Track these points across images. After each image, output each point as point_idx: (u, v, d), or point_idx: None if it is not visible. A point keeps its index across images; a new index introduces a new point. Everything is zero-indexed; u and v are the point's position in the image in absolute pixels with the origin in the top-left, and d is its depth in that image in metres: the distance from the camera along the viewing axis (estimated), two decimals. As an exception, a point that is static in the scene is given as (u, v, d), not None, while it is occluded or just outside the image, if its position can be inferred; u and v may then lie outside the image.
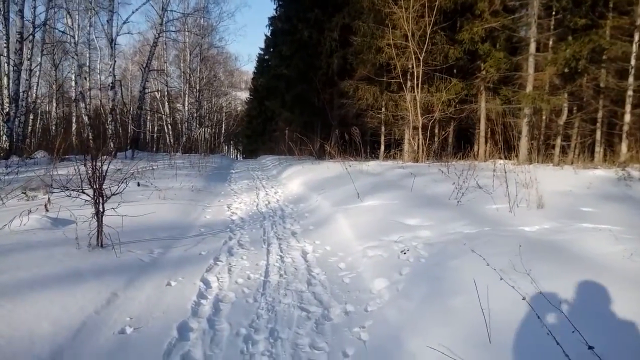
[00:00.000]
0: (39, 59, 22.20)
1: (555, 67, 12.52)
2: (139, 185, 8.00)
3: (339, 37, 17.24)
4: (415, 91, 14.17)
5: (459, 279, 3.45)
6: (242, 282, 4.14)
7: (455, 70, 15.95)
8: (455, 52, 14.49)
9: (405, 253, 4.28)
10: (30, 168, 11.82)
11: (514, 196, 5.88)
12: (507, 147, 14.52)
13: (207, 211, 7.44)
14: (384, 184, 8.33)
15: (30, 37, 19.64)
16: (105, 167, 4.81)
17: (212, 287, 4.00)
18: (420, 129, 14.05)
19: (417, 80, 14.11)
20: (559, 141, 14.48)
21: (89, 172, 4.60)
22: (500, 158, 13.47)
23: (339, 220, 6.20)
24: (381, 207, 6.30)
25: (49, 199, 5.98)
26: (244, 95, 47.83)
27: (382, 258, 4.39)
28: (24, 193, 6.64)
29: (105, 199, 4.68)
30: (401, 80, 14.52)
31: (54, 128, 30.14)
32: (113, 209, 4.75)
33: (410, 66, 14.97)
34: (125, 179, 5.13)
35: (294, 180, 11.45)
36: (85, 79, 27.65)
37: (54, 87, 28.73)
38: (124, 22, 18.61)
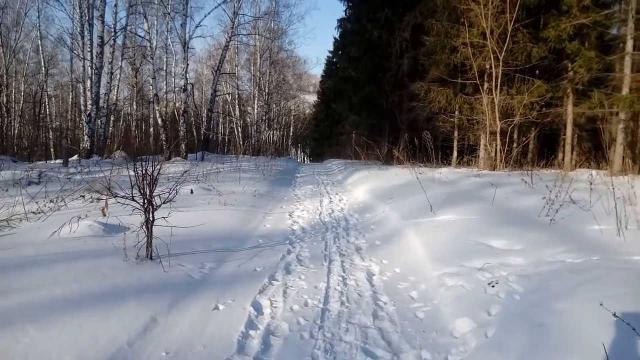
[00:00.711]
0: (120, 63, 23.25)
1: (659, 66, 10.98)
2: (192, 192, 7.67)
3: (410, 37, 16.36)
4: (494, 93, 13.03)
5: (571, 329, 2.66)
6: (297, 309, 3.57)
7: (537, 71, 14.54)
8: (539, 51, 13.15)
9: (493, 286, 3.50)
10: (106, 168, 12.13)
11: (619, 215, 4.88)
12: (595, 156, 13.01)
13: (268, 219, 7.00)
14: (459, 195, 7.48)
15: (112, 41, 20.56)
16: (156, 172, 4.41)
17: (263, 313, 3.48)
18: (498, 134, 12.89)
19: (496, 81, 12.96)
20: (660, 150, 12.74)
21: (139, 177, 4.22)
22: (590, 167, 12.10)
23: (409, 236, 5.49)
24: (458, 223, 5.50)
25: (106, 203, 5.78)
26: (312, 98, 47.87)
27: (464, 290, 3.64)
28: (82, 196, 6.53)
29: (155, 207, 4.30)
30: (477, 82, 13.41)
31: (134, 129, 31.75)
32: (164, 217, 4.37)
33: (487, 66, 13.84)
34: (176, 185, 4.71)
35: (359, 187, 10.82)
36: (163, 81, 28.80)
37: (134, 90, 30.12)
38: (197, 26, 18.91)
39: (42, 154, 21.69)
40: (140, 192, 4.23)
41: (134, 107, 31.13)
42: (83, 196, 6.63)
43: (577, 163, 13.58)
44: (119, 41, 22.74)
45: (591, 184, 6.46)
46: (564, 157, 15.61)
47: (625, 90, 11.21)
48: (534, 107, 13.13)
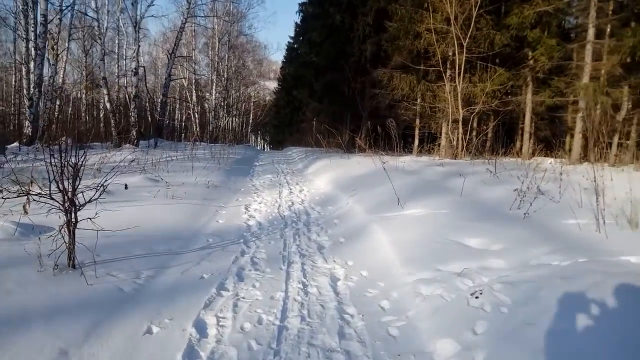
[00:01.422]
0: (66, 44, 21.54)
1: (619, 55, 10.90)
2: (126, 188, 6.71)
3: (373, 22, 15.81)
4: (456, 81, 12.71)
5: (578, 356, 2.19)
6: (249, 328, 2.96)
7: (498, 60, 14.36)
8: (502, 39, 12.91)
9: (477, 297, 3.00)
10: (44, 156, 10.98)
11: (594, 208, 4.55)
12: (551, 144, 12.98)
13: (221, 213, 6.30)
14: (425, 186, 7.04)
15: (57, 20, 18.95)
16: (80, 162, 3.65)
17: (207, 335, 2.85)
18: (460, 122, 12.61)
19: (459, 68, 12.63)
20: (616, 139, 12.81)
21: (56, 169, 3.46)
22: (547, 156, 12.02)
23: (376, 233, 4.96)
24: (429, 218, 5.02)
25: (28, 198, 4.92)
26: (273, 85, 46.68)
27: (443, 301, 3.13)
28: (1, 190, 5.61)
29: (78, 206, 3.55)
30: (441, 69, 13.06)
31: (83, 114, 29.83)
32: (90, 219, 3.62)
33: (450, 53, 13.51)
34: (106, 178, 3.94)
35: (321, 177, 10.25)
36: (115, 65, 27.11)
37: (83, 73, 28.22)
38: (149, 5, 17.58)
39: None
40: (59, 189, 3.46)
41: (84, 91, 29.22)
42: (1, 190, 5.70)
43: (535, 151, 13.55)
44: (66, 21, 21.09)
45: (561, 174, 6.15)
46: (522, 145, 15.62)
47: (585, 79, 11.11)
48: (496, 95, 12.93)
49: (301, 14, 21.88)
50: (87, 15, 17.41)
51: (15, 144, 16.26)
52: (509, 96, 13.75)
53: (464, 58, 12.56)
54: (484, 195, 6.20)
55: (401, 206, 5.64)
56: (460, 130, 12.59)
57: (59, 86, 21.80)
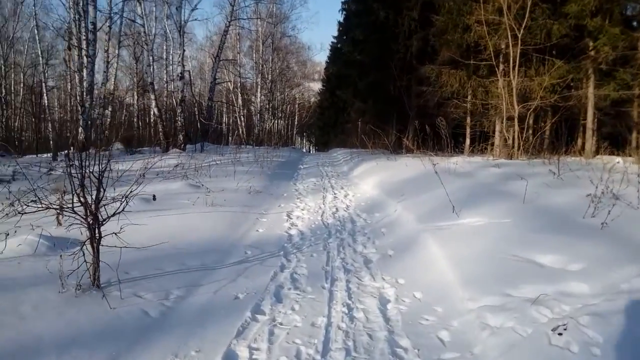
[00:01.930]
0: (116, 51, 22.16)
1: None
2: (154, 199, 6.32)
3: (419, 17, 15.12)
4: (511, 75, 11.83)
5: None
6: (286, 364, 2.55)
7: (555, 52, 13.30)
8: (560, 28, 11.88)
9: (560, 334, 2.45)
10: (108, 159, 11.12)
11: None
12: (616, 142, 11.88)
13: (262, 221, 5.95)
14: (482, 190, 6.40)
15: (106, 28, 19.48)
16: (102, 171, 3.37)
17: (238, 374, 2.46)
18: (516, 120, 11.73)
19: (514, 62, 11.74)
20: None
21: (77, 178, 3.18)
22: (612, 154, 10.98)
23: (429, 246, 4.43)
24: (489, 228, 4.44)
25: (61, 209, 4.75)
26: (317, 86, 46.46)
27: (516, 336, 2.58)
28: (34, 200, 5.51)
29: (101, 220, 3.26)
30: (493, 63, 12.20)
31: (135, 120, 30.76)
32: (115, 233, 3.33)
33: (503, 46, 12.65)
34: (126, 195, 3.64)
35: (366, 180, 9.75)
36: (163, 70, 27.70)
37: (134, 79, 29.07)
38: (193, 9, 17.85)
39: (39, 147, 20.75)
40: (80, 201, 3.19)
41: (135, 97, 30.14)
42: (35, 200, 5.62)
43: (598, 149, 12.44)
44: (116, 28, 21.69)
45: (639, 175, 5.40)
46: (584, 143, 14.45)
47: (655, 69, 10.03)
48: (555, 89, 11.93)
49: (344, 12, 21.45)
50: (135, 22, 17.69)
51: (71, 150, 16.83)
52: (570, 90, 12.70)
53: (518, 50, 11.67)
54: (550, 201, 5.51)
55: (456, 214, 5.07)
56: (516, 128, 11.70)
57: (110, 92, 22.47)
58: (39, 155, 15.45)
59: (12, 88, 28.58)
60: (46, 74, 27.75)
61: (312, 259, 4.45)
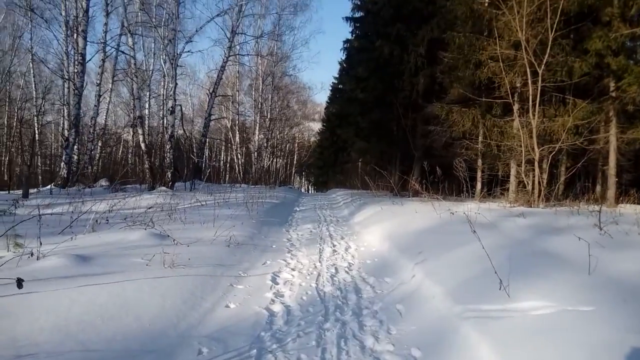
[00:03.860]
0: (110, 85, 21.10)
1: None
2: (19, 286, 4.47)
3: (426, 53, 14.03)
4: (530, 114, 10.52)
5: None
6: None
7: (572, 91, 12.10)
8: (582, 66, 10.66)
9: None
10: (67, 200, 9.68)
11: None
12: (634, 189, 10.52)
13: (236, 290, 4.36)
14: (521, 251, 4.86)
15: (100, 62, 18.46)
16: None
17: None
18: (536, 163, 10.34)
19: (534, 100, 10.46)
20: None
21: None
22: (636, 202, 9.61)
23: (478, 348, 2.87)
24: (566, 324, 2.87)
25: None
26: (317, 126, 45.63)
27: None
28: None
29: None
30: (511, 101, 10.93)
31: (131, 157, 29.50)
32: None
33: (518, 84, 11.43)
34: None
35: (371, 229, 8.22)
36: (156, 105, 26.66)
37: (131, 115, 28.03)
38: (187, 42, 16.57)
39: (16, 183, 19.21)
40: None
41: (132, 133, 29.02)
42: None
43: (619, 197, 11.03)
44: (109, 63, 20.71)
45: None
46: (603, 190, 13.07)
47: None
48: (579, 131, 10.62)
49: (346, 51, 20.48)
50: (125, 53, 16.62)
51: (50, 186, 15.36)
52: (592, 133, 11.40)
53: (539, 88, 10.41)
54: (620, 270, 3.99)
55: (506, 291, 3.52)
56: (537, 172, 10.29)
57: (101, 127, 21.25)
58: (10, 192, 13.93)
59: (6, 121, 27.58)
60: (42, 108, 26.78)
61: (299, 364, 2.88)
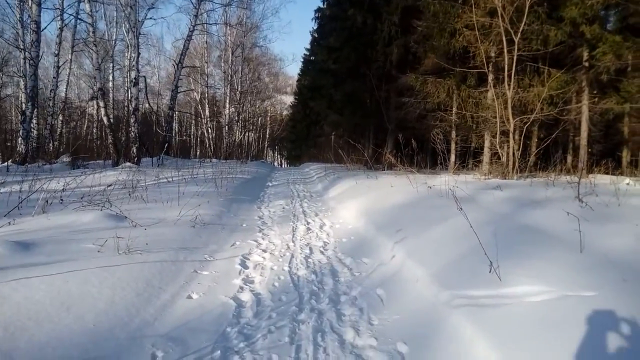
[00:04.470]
0: (69, 56, 19.73)
1: None
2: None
3: (400, 22, 13.48)
4: (505, 85, 10.25)
5: None
6: None
7: (548, 61, 11.87)
8: (558, 35, 10.38)
9: None
10: (39, 176, 8.92)
11: None
12: (604, 160, 10.55)
13: (201, 277, 3.90)
14: (506, 226, 4.57)
15: (58, 31, 17.13)
16: None
17: None
18: (511, 134, 10.13)
19: (509, 70, 10.18)
20: None
21: None
22: (607, 173, 9.59)
23: (471, 343, 2.54)
24: (569, 313, 2.55)
25: None
26: (290, 99, 44.69)
27: None
28: None
29: None
30: (487, 71, 10.63)
31: (95, 131, 28.09)
32: None
33: (492, 54, 11.10)
34: None
35: (346, 204, 7.84)
36: (124, 77, 25.31)
37: (94, 88, 26.53)
38: (149, 8, 15.47)
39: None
40: None
41: (96, 107, 27.56)
42: None
43: (590, 168, 11.04)
44: (68, 32, 19.31)
45: None
46: (574, 161, 13.12)
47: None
48: (554, 101, 10.44)
49: (317, 21, 19.66)
50: (84, 21, 15.41)
51: (7, 163, 14.32)
52: (565, 104, 11.25)
53: (515, 57, 10.09)
54: (612, 247, 3.74)
55: (497, 274, 3.19)
56: (512, 143, 10.09)
57: (62, 100, 19.98)
58: (-39, 169, 12.87)
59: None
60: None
61: (270, 365, 2.49)
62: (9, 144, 27.02)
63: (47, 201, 5.67)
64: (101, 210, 5.35)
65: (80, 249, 3.90)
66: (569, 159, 13.70)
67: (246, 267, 4.30)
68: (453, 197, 5.00)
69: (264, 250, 4.94)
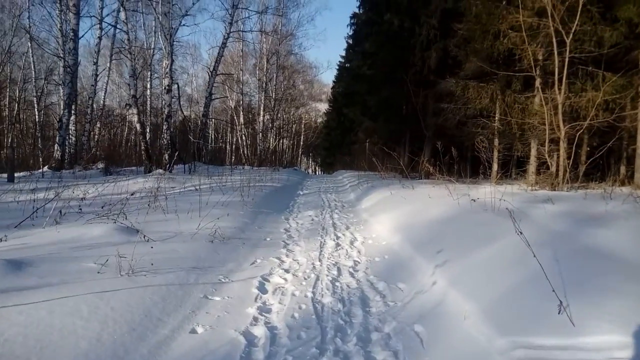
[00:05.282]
0: (108, 64, 20.06)
1: None
2: None
3: (439, 25, 12.77)
4: (556, 89, 9.35)
5: None
6: None
7: (602, 63, 10.84)
8: (613, 36, 9.41)
9: None
10: (69, 182, 8.83)
11: None
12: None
13: (210, 305, 3.35)
14: (568, 250, 3.82)
15: (96, 39, 17.42)
16: None
17: None
18: (562, 142, 9.23)
19: (560, 74, 9.28)
20: None
21: None
22: None
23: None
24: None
25: None
26: (324, 107, 44.39)
27: None
28: None
29: None
30: (535, 75, 9.77)
31: (133, 138, 28.58)
32: None
33: (540, 57, 10.22)
34: None
35: (380, 217, 7.21)
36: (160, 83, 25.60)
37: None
38: (183, 15, 15.41)
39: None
40: None
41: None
42: None
43: None
44: (107, 40, 19.63)
45: None
46: (629, 171, 11.96)
47: None
48: (610, 107, 9.45)
49: (353, 26, 19.16)
50: (121, 29, 15.51)
51: (44, 169, 14.48)
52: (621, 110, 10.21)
53: (566, 59, 9.19)
54: None
55: (568, 317, 2.52)
56: (562, 152, 9.18)
57: (100, 108, 20.30)
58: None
59: (7, 103, 26.68)
60: (44, 89, 25.88)
61: None
62: (50, 150, 27.85)
63: (60, 211, 5.34)
64: (114, 222, 4.96)
65: (80, 269, 3.47)
66: (622, 169, 12.56)
67: (264, 292, 3.76)
68: (504, 213, 4.31)
69: (287, 271, 4.39)
